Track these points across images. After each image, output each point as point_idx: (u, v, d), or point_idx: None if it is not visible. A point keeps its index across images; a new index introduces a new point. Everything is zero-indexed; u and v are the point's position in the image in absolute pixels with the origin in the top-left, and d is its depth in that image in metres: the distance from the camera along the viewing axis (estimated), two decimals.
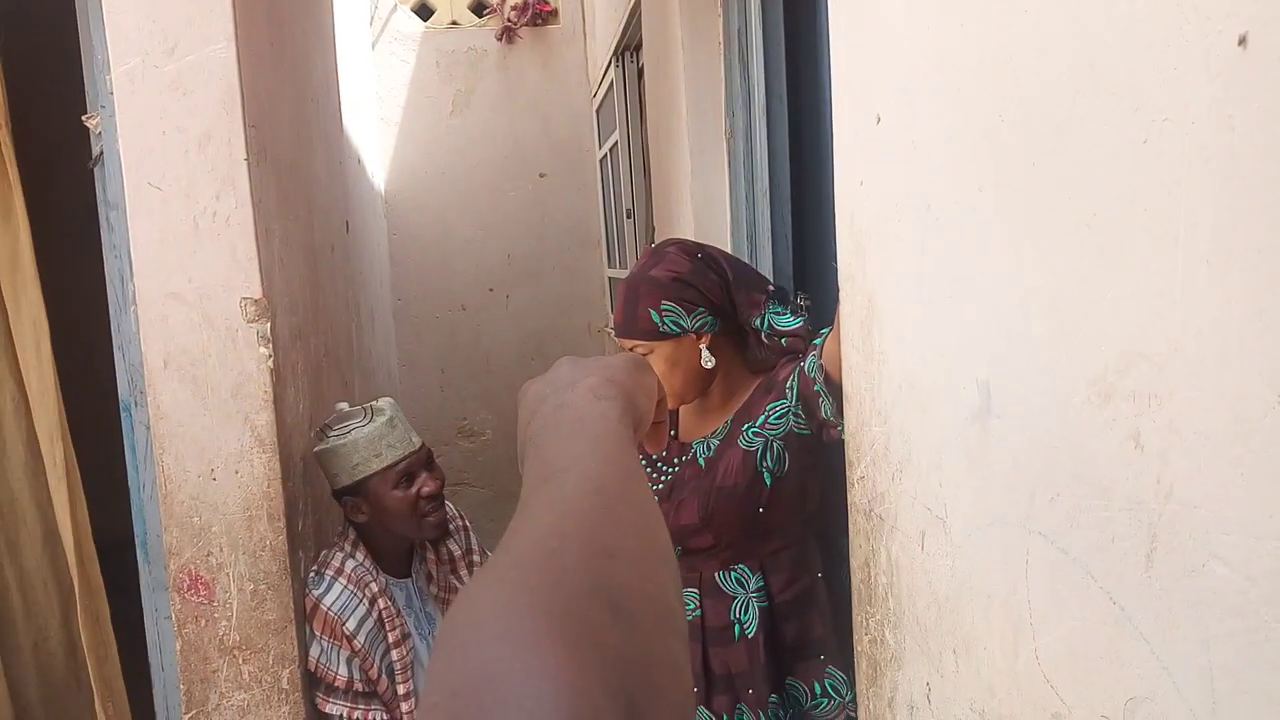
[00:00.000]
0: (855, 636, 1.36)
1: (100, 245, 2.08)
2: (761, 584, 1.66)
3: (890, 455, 1.16)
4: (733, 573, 1.68)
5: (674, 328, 1.63)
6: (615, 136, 4.36)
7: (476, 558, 2.50)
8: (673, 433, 1.80)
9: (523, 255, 5.42)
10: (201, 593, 2.10)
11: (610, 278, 5.17)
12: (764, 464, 1.62)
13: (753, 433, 1.64)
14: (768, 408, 1.64)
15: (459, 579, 2.40)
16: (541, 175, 5.40)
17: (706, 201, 2.48)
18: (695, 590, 1.70)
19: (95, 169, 2.05)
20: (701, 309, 1.64)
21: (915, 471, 1.10)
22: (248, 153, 2.00)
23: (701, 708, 1.68)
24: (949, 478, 1.01)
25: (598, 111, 4.97)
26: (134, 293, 2.04)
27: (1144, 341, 0.72)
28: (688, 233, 2.65)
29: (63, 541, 2.14)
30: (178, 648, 2.11)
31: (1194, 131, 0.66)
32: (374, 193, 4.77)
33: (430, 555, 2.36)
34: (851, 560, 1.35)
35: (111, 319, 2.11)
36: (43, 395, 2.08)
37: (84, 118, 2.04)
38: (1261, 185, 0.61)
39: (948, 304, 1.00)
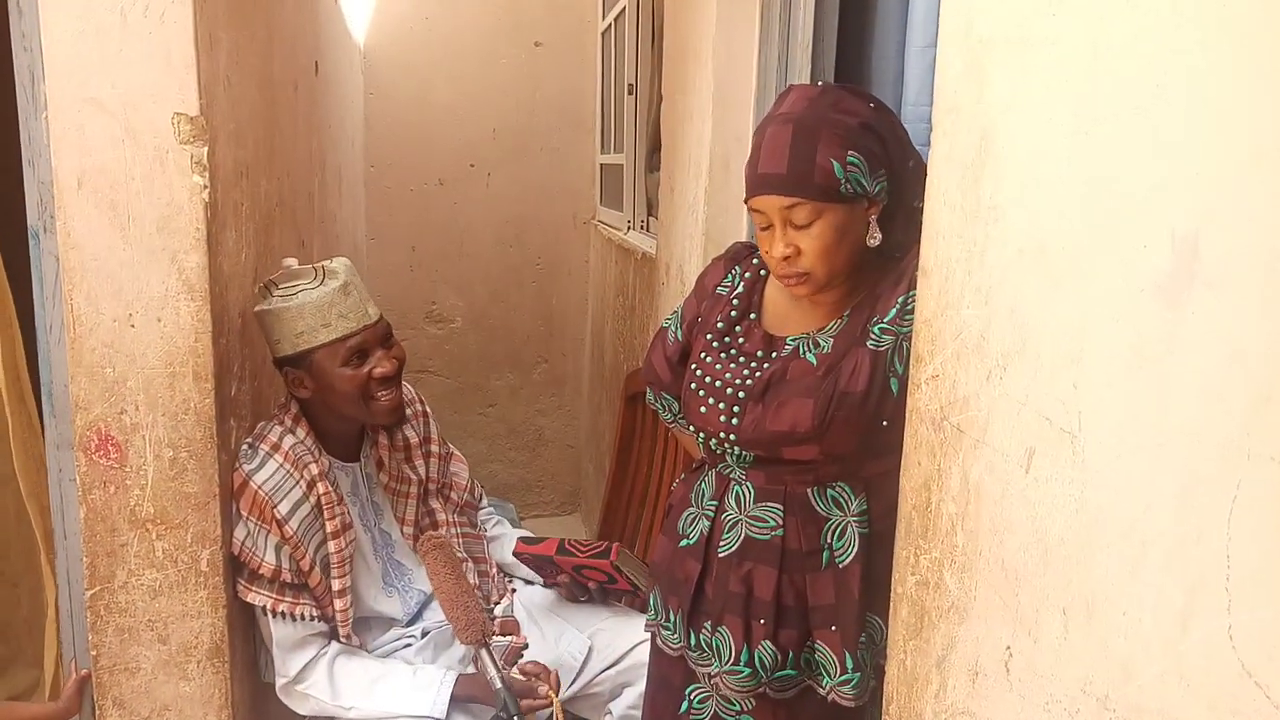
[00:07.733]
0: (896, 576, 1.10)
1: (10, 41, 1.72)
2: (864, 507, 1.39)
3: (988, 347, 0.88)
4: (830, 490, 1.40)
5: (856, 188, 1.30)
6: (623, 2, 3.96)
7: (435, 448, 2.23)
8: (753, 315, 1.50)
9: (509, 131, 5.00)
10: (112, 455, 1.81)
11: (602, 164, 4.81)
12: (893, 368, 1.32)
13: (880, 329, 1.33)
14: (898, 300, 1.32)
15: (413, 468, 2.13)
16: (536, 44, 4.95)
17: (729, 59, 2.13)
18: (779, 506, 1.41)
19: None
20: (883, 171, 1.32)
21: (1029, 368, 0.82)
22: None
23: (765, 642, 1.42)
24: (1096, 376, 0.73)
25: None
26: (45, 96, 1.70)
27: None
28: (705, 100, 2.31)
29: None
30: (81, 514, 1.83)
31: None
32: (351, 41, 4.34)
33: (383, 440, 2.08)
34: (903, 481, 1.07)
35: (21, 127, 1.76)
36: None
37: None
38: None
39: (1121, 126, 0.70)
